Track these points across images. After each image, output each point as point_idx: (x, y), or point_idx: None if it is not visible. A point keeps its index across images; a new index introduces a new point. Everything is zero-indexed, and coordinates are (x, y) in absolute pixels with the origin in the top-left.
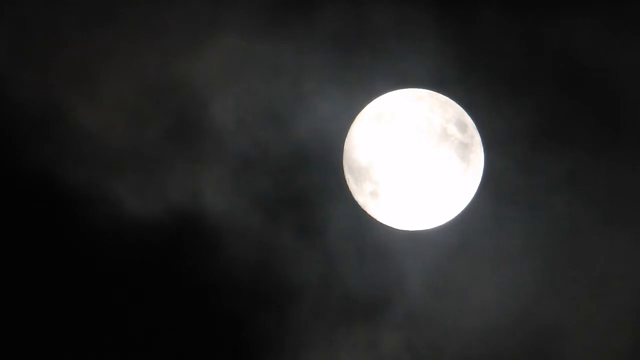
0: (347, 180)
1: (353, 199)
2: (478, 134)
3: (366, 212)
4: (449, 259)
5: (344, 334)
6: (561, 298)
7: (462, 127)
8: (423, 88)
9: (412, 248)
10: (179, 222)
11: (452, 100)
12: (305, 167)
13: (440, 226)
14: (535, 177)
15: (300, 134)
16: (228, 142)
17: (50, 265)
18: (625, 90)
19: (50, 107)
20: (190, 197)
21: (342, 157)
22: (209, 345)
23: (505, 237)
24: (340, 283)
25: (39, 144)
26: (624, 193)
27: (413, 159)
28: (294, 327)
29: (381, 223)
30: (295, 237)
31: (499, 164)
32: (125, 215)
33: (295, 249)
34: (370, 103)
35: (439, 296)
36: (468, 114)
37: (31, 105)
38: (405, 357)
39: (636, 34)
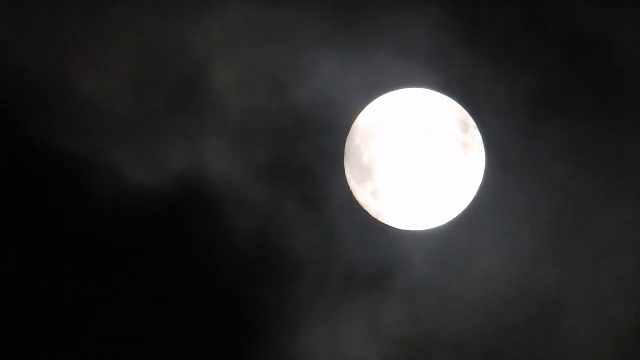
0: (348, 179)
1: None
2: (478, 132)
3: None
4: (451, 231)
5: (346, 306)
6: (563, 267)
7: (463, 126)
8: (423, 88)
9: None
10: (180, 191)
11: (453, 100)
12: (308, 137)
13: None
14: (536, 146)
15: (303, 102)
16: (230, 110)
17: (51, 235)
18: (627, 58)
19: (50, 76)
20: (191, 166)
21: (342, 157)
22: (209, 315)
23: (507, 207)
24: (343, 255)
25: (40, 113)
26: (626, 162)
27: (414, 159)
28: (294, 299)
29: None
30: (297, 207)
31: (500, 133)
32: (126, 184)
33: (296, 220)
34: (371, 103)
35: (442, 267)
36: (467, 110)
37: (32, 74)
38: (407, 328)
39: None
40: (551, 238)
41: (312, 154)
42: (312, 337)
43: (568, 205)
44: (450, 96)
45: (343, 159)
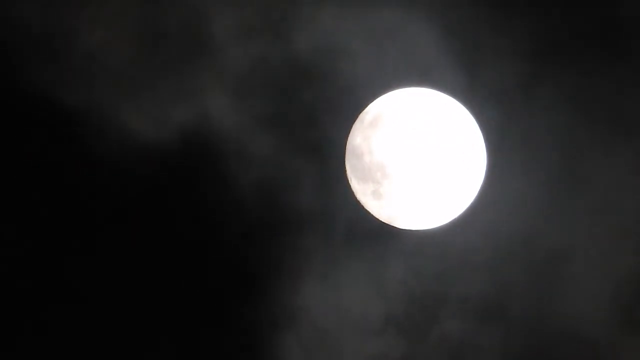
0: (349, 179)
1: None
2: (479, 131)
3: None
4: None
5: (349, 261)
6: (566, 222)
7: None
8: (423, 87)
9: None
10: (183, 144)
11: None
12: (312, 87)
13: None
14: (535, 100)
15: (305, 50)
16: (233, 61)
17: (52, 190)
18: (629, 7)
19: (51, 28)
20: (195, 119)
21: (344, 158)
22: (211, 270)
23: (508, 162)
24: (345, 209)
25: (40, 65)
26: (627, 114)
27: (416, 158)
28: (297, 253)
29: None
30: (300, 160)
31: (499, 85)
32: (128, 138)
33: (300, 173)
34: (371, 103)
35: (444, 225)
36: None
37: (32, 26)
38: (411, 286)
39: None
40: (554, 193)
41: (316, 104)
42: (314, 292)
43: (570, 159)
44: (451, 96)
45: (345, 112)
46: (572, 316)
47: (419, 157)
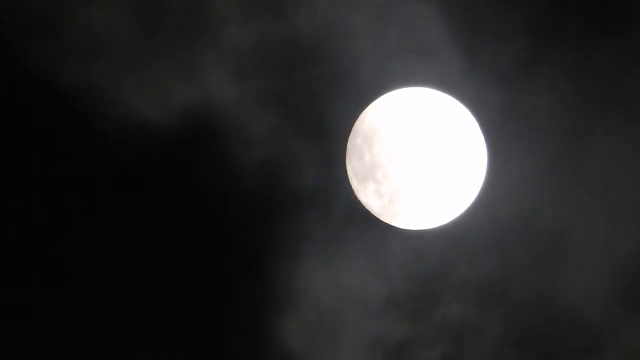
0: (350, 179)
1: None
2: (480, 131)
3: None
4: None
5: (349, 242)
6: (565, 203)
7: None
8: (423, 87)
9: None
10: (184, 122)
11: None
12: (314, 65)
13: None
14: (536, 81)
15: (307, 29)
16: (233, 39)
17: (52, 169)
18: None
19: (51, 4)
20: (194, 97)
21: (344, 158)
22: (212, 250)
23: (508, 140)
24: (347, 189)
25: (41, 43)
26: (627, 93)
27: (417, 158)
28: (297, 232)
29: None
30: (301, 139)
31: (500, 65)
32: (128, 116)
33: (301, 152)
34: (372, 103)
35: (447, 220)
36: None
37: (32, 3)
38: (412, 267)
39: None
40: (554, 175)
41: (318, 84)
42: (315, 273)
43: (571, 140)
44: (451, 95)
45: (346, 88)
46: (572, 298)
47: (420, 157)
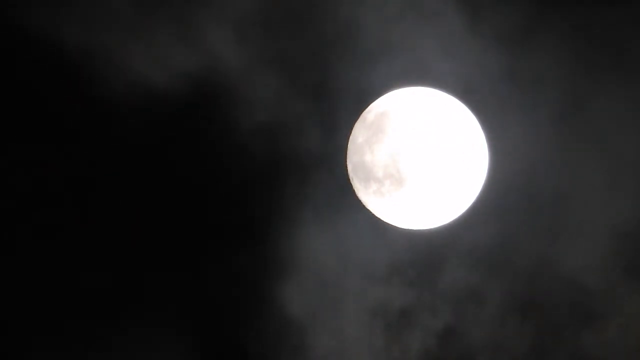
0: (351, 179)
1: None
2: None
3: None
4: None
5: (351, 209)
6: (566, 166)
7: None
8: (423, 86)
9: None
10: (185, 86)
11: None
12: (316, 25)
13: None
14: (537, 44)
15: None
16: (238, 3)
17: (55, 132)
18: None
19: None
20: (197, 61)
21: (345, 158)
22: (213, 214)
23: (513, 104)
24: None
25: (44, 7)
26: (628, 57)
27: (418, 157)
28: (299, 198)
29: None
30: (304, 102)
31: (502, 29)
32: (130, 79)
33: (302, 116)
34: (372, 103)
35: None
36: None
37: None
38: (415, 235)
39: None
40: (556, 138)
41: (320, 46)
42: (316, 238)
43: (572, 103)
44: (452, 94)
45: (351, 49)
46: (574, 265)
47: (421, 156)
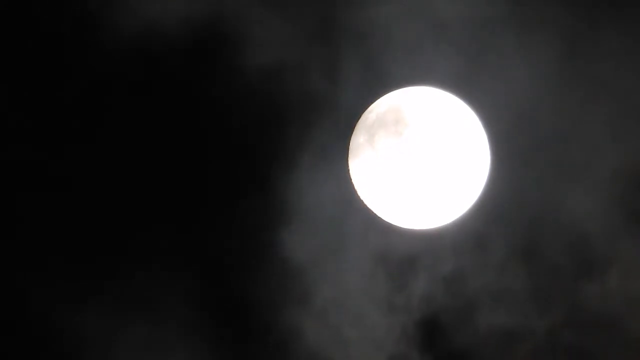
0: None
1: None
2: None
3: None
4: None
5: (354, 157)
6: (564, 110)
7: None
8: (424, 86)
9: None
10: (189, 26)
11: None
12: None
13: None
14: None
15: None
16: None
17: (62, 76)
18: None
19: None
20: (203, 4)
21: (346, 158)
22: (214, 159)
23: (513, 54)
24: (350, 98)
25: None
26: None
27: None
28: (303, 142)
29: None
30: (308, 43)
31: None
32: (135, 18)
33: (307, 57)
34: (373, 103)
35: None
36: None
37: None
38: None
39: None
40: (554, 82)
41: None
42: (318, 182)
43: (569, 46)
44: (453, 94)
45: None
46: (575, 212)
47: (422, 156)
